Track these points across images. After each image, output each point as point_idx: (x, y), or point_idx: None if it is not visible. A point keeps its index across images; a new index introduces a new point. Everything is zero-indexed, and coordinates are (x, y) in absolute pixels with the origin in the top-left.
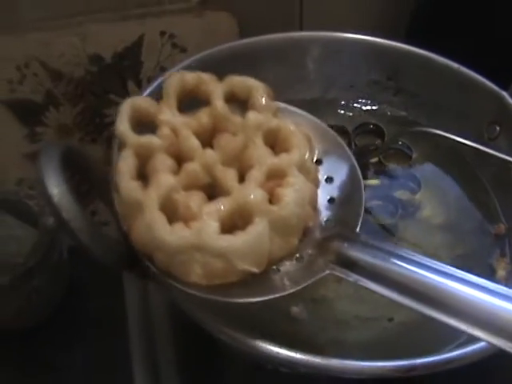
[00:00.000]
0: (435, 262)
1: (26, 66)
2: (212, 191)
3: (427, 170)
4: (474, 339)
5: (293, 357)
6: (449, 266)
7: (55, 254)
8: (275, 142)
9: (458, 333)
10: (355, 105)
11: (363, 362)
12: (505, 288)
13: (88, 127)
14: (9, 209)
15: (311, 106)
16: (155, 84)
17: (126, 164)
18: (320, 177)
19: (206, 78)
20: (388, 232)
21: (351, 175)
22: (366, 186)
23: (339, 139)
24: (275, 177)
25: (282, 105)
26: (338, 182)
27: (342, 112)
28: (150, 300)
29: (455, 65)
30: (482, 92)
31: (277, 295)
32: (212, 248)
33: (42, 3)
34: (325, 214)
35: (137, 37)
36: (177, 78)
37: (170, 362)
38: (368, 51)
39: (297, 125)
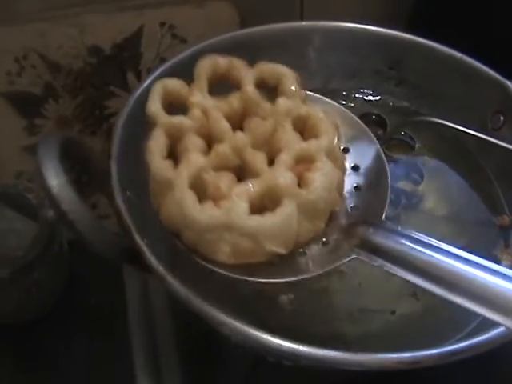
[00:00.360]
0: (455, 248)
1: (24, 58)
2: (241, 173)
3: (430, 161)
4: (476, 332)
5: (295, 349)
6: (467, 253)
7: (55, 247)
8: (304, 128)
9: (459, 326)
10: (357, 95)
11: (366, 355)
12: None
13: (87, 119)
14: (8, 202)
15: None
16: (155, 75)
17: (157, 143)
18: (347, 165)
19: (238, 63)
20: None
21: (377, 164)
22: None
23: (366, 128)
24: (304, 161)
25: (311, 93)
26: (363, 170)
27: (344, 102)
28: (150, 292)
29: (458, 54)
30: (485, 81)
31: (302, 277)
32: (241, 227)
33: None
34: (351, 200)
35: (136, 28)
36: (209, 62)
37: (171, 355)
38: (370, 41)
39: (325, 112)
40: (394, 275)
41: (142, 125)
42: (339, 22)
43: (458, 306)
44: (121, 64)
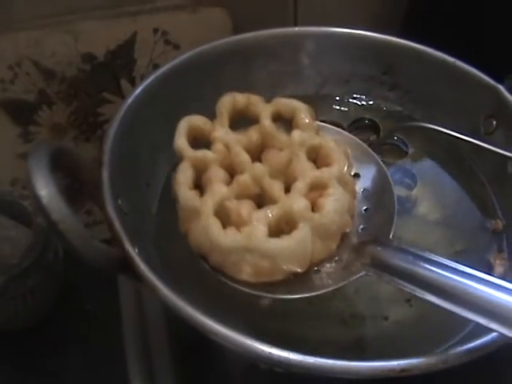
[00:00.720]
0: (457, 263)
1: (17, 65)
2: (260, 200)
3: (423, 166)
4: (469, 338)
5: (285, 357)
6: (469, 268)
7: (50, 255)
8: (317, 157)
9: (452, 332)
10: (350, 100)
11: (356, 363)
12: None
13: (82, 126)
14: (3, 209)
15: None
16: (148, 81)
17: (183, 175)
18: (357, 189)
19: (255, 99)
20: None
21: (384, 187)
22: None
23: (374, 154)
24: (317, 188)
25: (323, 124)
26: (372, 193)
27: (337, 108)
28: (144, 299)
29: (451, 59)
30: (478, 86)
31: (317, 292)
32: (261, 250)
33: (33, 2)
34: (361, 221)
35: (129, 34)
36: (228, 99)
37: (165, 362)
38: (363, 46)
39: (336, 142)
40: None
41: (134, 132)
42: (332, 28)
43: (452, 312)
44: (114, 71)
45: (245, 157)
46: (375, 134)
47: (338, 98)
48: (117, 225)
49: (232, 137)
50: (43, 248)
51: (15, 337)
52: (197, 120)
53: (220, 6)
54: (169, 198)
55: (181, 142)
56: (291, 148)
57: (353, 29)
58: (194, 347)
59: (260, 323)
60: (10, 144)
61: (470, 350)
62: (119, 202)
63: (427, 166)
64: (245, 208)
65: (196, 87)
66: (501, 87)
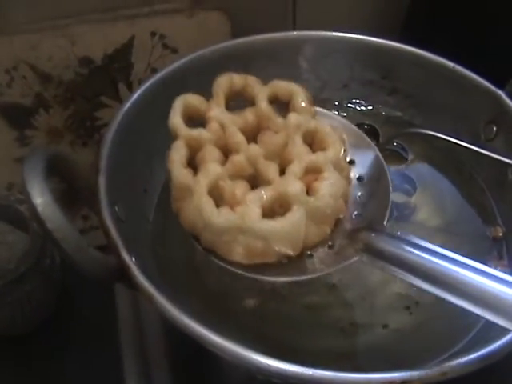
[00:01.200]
0: (449, 251)
1: (14, 69)
2: (255, 182)
3: (423, 172)
4: (469, 347)
5: (283, 369)
6: (461, 256)
7: (47, 260)
8: (313, 141)
9: (453, 340)
10: (349, 105)
11: (356, 375)
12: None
13: (79, 130)
14: None
15: None
16: (146, 86)
17: (177, 153)
18: (352, 175)
19: (252, 80)
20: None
21: (380, 175)
22: None
23: (370, 142)
24: (312, 172)
25: (320, 109)
26: (367, 180)
27: (336, 113)
28: (141, 305)
29: (450, 64)
30: (478, 91)
31: (308, 276)
32: (254, 230)
33: (30, 5)
34: (355, 208)
35: (127, 38)
36: (225, 80)
37: (162, 366)
38: (362, 50)
39: (332, 127)
40: (386, 288)
41: (131, 138)
42: (331, 32)
43: (452, 321)
44: (112, 75)
45: (240, 137)
46: (375, 140)
47: (336, 103)
48: (113, 233)
49: (228, 117)
50: (40, 253)
51: (12, 342)
52: (193, 99)
53: (218, 9)
54: (166, 205)
55: (176, 120)
56: (287, 131)
57: (352, 33)
58: (192, 354)
59: (257, 331)
60: (7, 148)
61: (471, 360)
62: (116, 208)
63: (427, 171)
64: (239, 188)
65: (194, 92)
66: (501, 93)
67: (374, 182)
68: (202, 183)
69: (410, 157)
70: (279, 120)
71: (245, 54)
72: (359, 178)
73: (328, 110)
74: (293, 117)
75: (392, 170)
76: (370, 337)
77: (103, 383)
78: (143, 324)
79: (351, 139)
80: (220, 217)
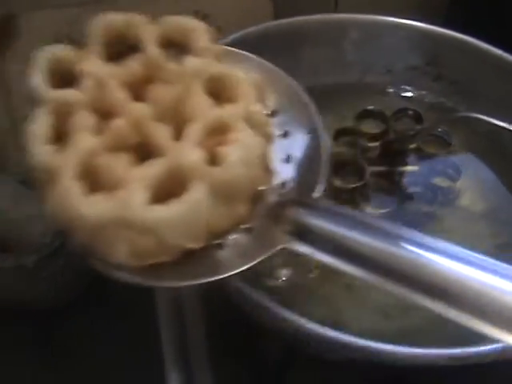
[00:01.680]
0: (412, 231)
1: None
2: (143, 154)
3: (466, 158)
4: None
5: (350, 341)
6: (432, 238)
7: None
8: (219, 92)
9: None
10: (393, 90)
11: (417, 349)
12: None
13: None
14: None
15: (348, 90)
16: None
17: (38, 125)
18: (274, 131)
19: (137, 19)
20: (427, 219)
21: (312, 128)
22: (404, 171)
23: (298, 87)
24: (218, 133)
25: (230, 48)
26: (296, 136)
27: (380, 97)
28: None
29: (497, 50)
30: None
31: (221, 276)
32: (137, 222)
33: None
34: (280, 175)
35: None
36: (102, 21)
37: (202, 348)
38: (407, 35)
39: (246, 71)
40: None
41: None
42: (377, 16)
43: None
44: None
45: (120, 95)
46: (419, 125)
47: (380, 87)
48: None
49: (105, 70)
50: None
51: (46, 317)
52: (60, 50)
53: None
54: None
55: (37, 79)
56: (184, 81)
57: (397, 17)
58: (234, 332)
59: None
60: None
61: None
62: None
63: (470, 157)
64: (119, 164)
65: None
66: None
67: (306, 137)
68: (69, 163)
69: (454, 142)
70: (173, 67)
71: (288, 36)
72: (284, 134)
73: (372, 93)
74: (190, 62)
75: (436, 155)
76: (415, 319)
77: (138, 357)
78: (182, 303)
79: (272, 84)
80: (91, 207)
